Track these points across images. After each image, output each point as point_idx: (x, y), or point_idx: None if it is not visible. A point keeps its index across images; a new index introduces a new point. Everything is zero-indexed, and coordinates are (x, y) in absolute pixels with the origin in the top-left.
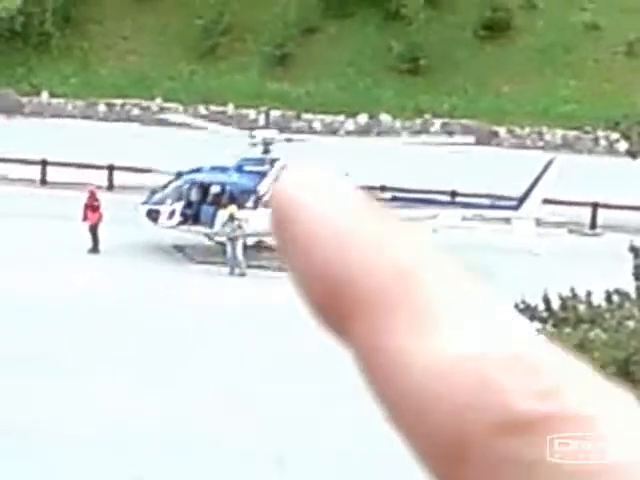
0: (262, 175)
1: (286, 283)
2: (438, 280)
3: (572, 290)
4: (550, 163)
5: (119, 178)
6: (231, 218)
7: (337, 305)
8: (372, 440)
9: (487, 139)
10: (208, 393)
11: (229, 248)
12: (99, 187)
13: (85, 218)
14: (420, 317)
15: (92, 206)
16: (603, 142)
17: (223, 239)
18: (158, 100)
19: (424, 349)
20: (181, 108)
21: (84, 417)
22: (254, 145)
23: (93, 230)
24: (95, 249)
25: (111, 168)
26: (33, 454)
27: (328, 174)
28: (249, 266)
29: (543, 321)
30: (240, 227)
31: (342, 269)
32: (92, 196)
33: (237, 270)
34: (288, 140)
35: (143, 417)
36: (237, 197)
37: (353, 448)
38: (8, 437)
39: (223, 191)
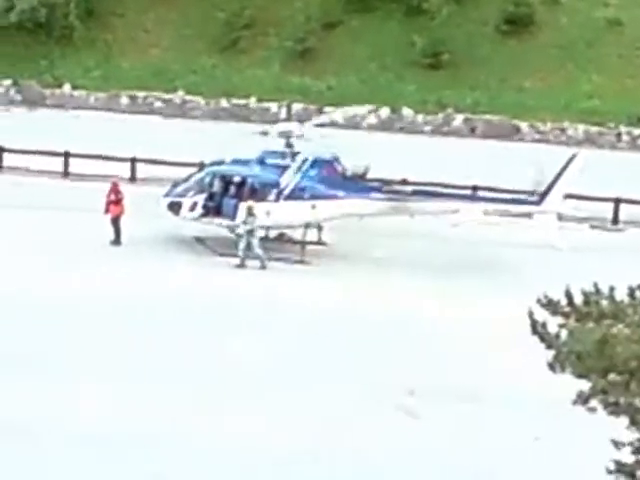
0: (284, 168)
1: (307, 276)
2: None
3: (595, 285)
4: (572, 158)
5: (141, 170)
6: (249, 212)
7: None
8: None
9: (509, 134)
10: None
11: (244, 242)
12: (121, 179)
13: (107, 210)
14: None
15: (115, 199)
16: (625, 137)
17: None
18: (180, 93)
19: None
20: (203, 102)
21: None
22: (264, 134)
23: (115, 222)
24: (117, 241)
25: (133, 160)
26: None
27: None
28: (270, 259)
29: (566, 316)
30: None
31: None
32: (115, 188)
33: (258, 263)
34: (318, 125)
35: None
36: (259, 190)
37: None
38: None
39: (245, 184)
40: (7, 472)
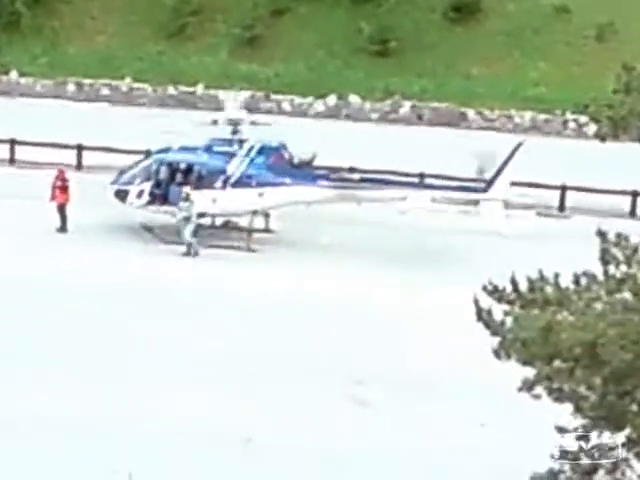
0: (231, 156)
1: (254, 263)
2: None
3: (540, 272)
4: (519, 146)
5: (88, 158)
6: (186, 198)
7: None
8: None
9: (456, 121)
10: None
11: (184, 228)
12: (68, 166)
13: (53, 198)
14: None
15: (61, 186)
16: (572, 125)
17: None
18: (127, 80)
19: None
20: (150, 89)
21: (66, 403)
22: (214, 124)
23: (61, 210)
24: (63, 228)
25: (80, 148)
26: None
27: None
28: (217, 246)
29: (511, 303)
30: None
31: None
32: (60, 176)
33: (184, 249)
34: (253, 123)
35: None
36: (206, 177)
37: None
38: None
39: (192, 171)
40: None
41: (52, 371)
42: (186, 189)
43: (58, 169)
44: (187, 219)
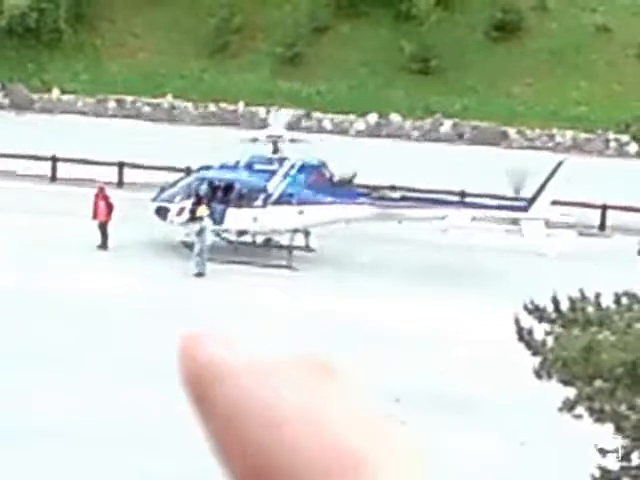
0: (271, 173)
1: (293, 281)
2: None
3: (581, 292)
4: (560, 165)
5: (129, 175)
6: (200, 218)
7: None
8: None
9: (497, 140)
10: None
11: (197, 246)
12: (109, 184)
13: (95, 216)
14: None
15: (105, 203)
16: (613, 144)
17: (232, 237)
18: (169, 97)
19: None
20: (191, 106)
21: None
22: (254, 141)
23: (103, 227)
24: (104, 245)
25: (121, 165)
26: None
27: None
28: (258, 264)
29: (552, 322)
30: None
31: (276, 453)
32: (102, 193)
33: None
34: (292, 141)
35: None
36: (246, 195)
37: None
38: None
39: (232, 189)
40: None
41: (85, 379)
42: (201, 209)
43: (98, 186)
44: (200, 234)
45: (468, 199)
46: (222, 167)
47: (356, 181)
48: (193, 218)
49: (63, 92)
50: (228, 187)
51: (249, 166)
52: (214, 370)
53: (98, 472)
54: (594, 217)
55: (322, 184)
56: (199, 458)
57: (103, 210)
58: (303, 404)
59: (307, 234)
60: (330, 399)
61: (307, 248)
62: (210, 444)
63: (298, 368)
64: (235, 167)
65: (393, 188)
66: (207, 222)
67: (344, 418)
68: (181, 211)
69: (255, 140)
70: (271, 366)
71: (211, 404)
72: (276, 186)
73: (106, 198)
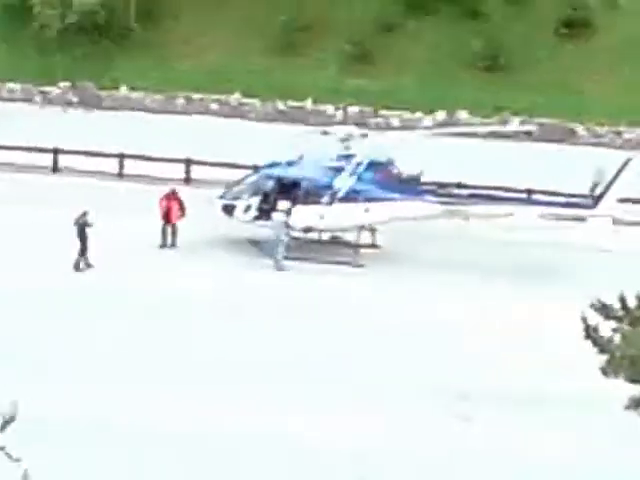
0: (338, 171)
1: (360, 278)
2: None
3: None
4: (628, 162)
5: (196, 172)
6: (287, 212)
7: None
8: None
9: (566, 137)
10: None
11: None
12: (176, 180)
13: (168, 218)
14: None
15: (179, 205)
16: None
17: (299, 234)
18: (236, 94)
19: None
20: (259, 103)
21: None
22: (325, 134)
23: (173, 227)
24: (174, 244)
25: (188, 162)
26: None
27: None
28: (324, 261)
29: (619, 320)
30: (287, 224)
31: None
32: (174, 194)
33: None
34: (364, 135)
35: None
36: (313, 192)
37: None
38: None
39: (299, 186)
40: None
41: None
42: (284, 204)
43: (170, 188)
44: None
45: (535, 196)
46: (289, 164)
47: (423, 178)
48: (268, 213)
49: (131, 89)
50: (295, 184)
51: (315, 163)
52: None
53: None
54: None
55: (389, 181)
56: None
57: (176, 212)
58: None
59: (373, 231)
60: None
61: (373, 245)
62: None
63: None
64: (302, 164)
65: (460, 185)
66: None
67: None
68: (248, 208)
69: (325, 133)
70: None
71: None
72: (343, 183)
73: (179, 200)
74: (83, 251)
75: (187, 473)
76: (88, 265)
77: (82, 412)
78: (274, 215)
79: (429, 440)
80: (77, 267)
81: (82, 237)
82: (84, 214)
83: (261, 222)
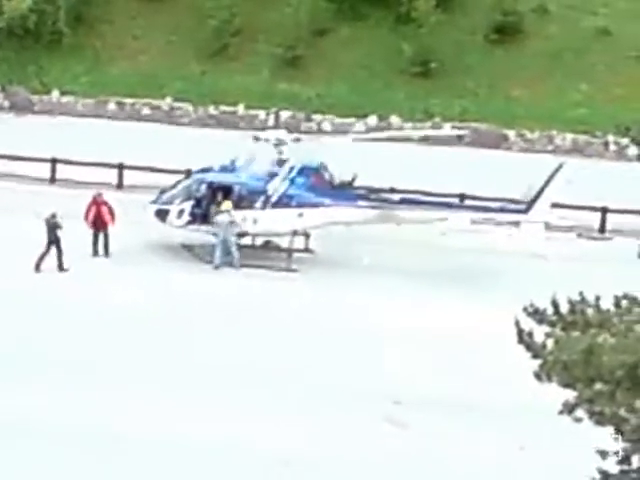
0: (271, 175)
1: (293, 283)
2: None
3: (581, 294)
4: (559, 167)
5: (128, 177)
6: (227, 211)
7: None
8: None
9: (498, 142)
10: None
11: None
12: (108, 185)
13: (100, 222)
14: None
15: (107, 208)
16: (613, 147)
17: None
18: (168, 99)
19: None
20: (191, 108)
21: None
22: (256, 140)
23: (105, 234)
24: (106, 252)
25: (121, 167)
26: None
27: None
28: (257, 266)
29: (552, 325)
30: (232, 222)
31: None
32: (101, 197)
33: (235, 266)
34: (296, 140)
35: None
36: (246, 197)
37: None
38: None
39: (232, 191)
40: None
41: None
42: (227, 204)
43: (97, 192)
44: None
45: (467, 201)
46: (222, 169)
47: (356, 183)
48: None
49: (63, 94)
50: (227, 189)
51: (249, 168)
52: None
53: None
54: (594, 220)
55: (322, 186)
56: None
57: (106, 215)
58: None
59: (307, 236)
60: None
61: (307, 250)
62: None
63: None
64: (235, 169)
65: (393, 190)
66: (231, 216)
67: None
68: (181, 213)
69: (257, 139)
70: None
71: None
72: (276, 188)
73: (108, 205)
74: (59, 254)
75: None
76: (62, 269)
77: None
78: (218, 216)
79: (363, 445)
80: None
81: (54, 238)
82: (53, 215)
83: (194, 227)
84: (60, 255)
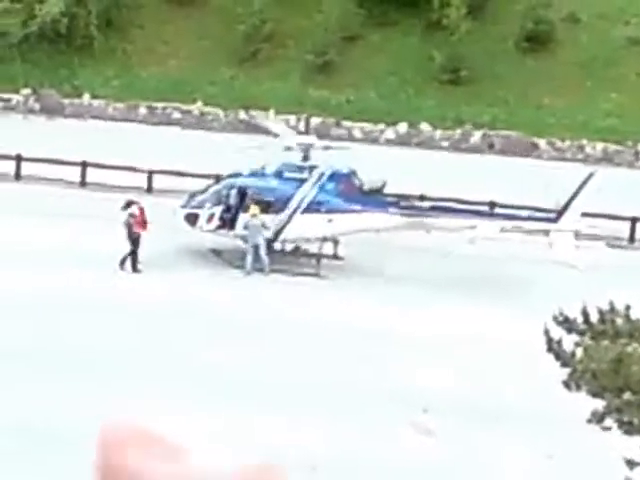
0: (301, 181)
1: (322, 289)
2: None
3: (610, 303)
4: (590, 176)
5: (158, 181)
6: (254, 215)
7: None
8: None
9: (527, 151)
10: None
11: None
12: (138, 189)
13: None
14: None
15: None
16: None
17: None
18: (198, 104)
19: None
20: (221, 113)
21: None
22: (288, 149)
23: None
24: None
25: (150, 171)
26: None
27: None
28: (286, 272)
29: (581, 334)
30: (264, 226)
31: None
32: (138, 205)
33: (264, 271)
34: (326, 148)
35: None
36: (275, 203)
37: None
38: None
39: (262, 196)
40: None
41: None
42: (254, 209)
43: (139, 206)
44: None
45: (497, 210)
46: (252, 174)
47: (385, 190)
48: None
49: (94, 97)
50: (257, 194)
51: (279, 174)
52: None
53: None
54: (624, 229)
55: (351, 193)
56: None
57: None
58: None
59: (336, 242)
60: None
61: (335, 257)
62: None
63: None
64: (265, 174)
65: (422, 198)
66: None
67: None
68: (210, 218)
69: (289, 149)
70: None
71: None
72: (306, 194)
73: (142, 214)
74: (135, 253)
75: None
76: (135, 269)
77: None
78: (249, 221)
79: (387, 452)
80: (122, 264)
81: (133, 240)
82: (131, 215)
83: (223, 232)
84: (135, 255)
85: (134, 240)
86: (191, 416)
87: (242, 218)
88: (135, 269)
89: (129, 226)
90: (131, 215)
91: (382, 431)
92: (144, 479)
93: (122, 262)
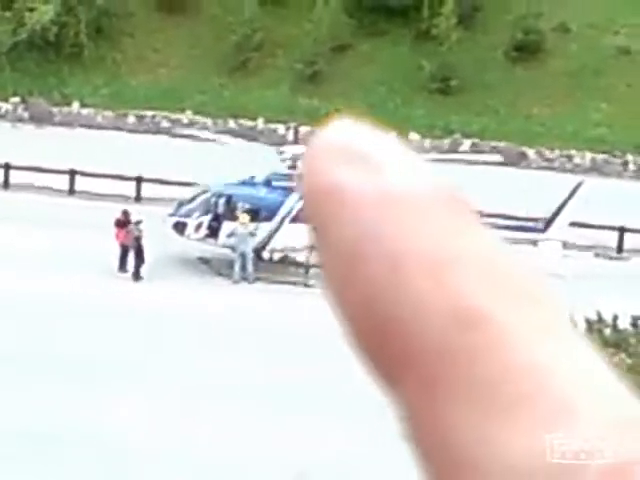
0: (290, 190)
1: (310, 298)
2: (524, 335)
3: (598, 314)
4: (578, 186)
5: (147, 190)
6: (243, 224)
7: (384, 346)
8: None
9: (516, 160)
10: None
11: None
12: (127, 198)
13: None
14: (490, 395)
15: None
16: (632, 166)
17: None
18: (188, 113)
19: (495, 442)
20: (210, 122)
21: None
22: (284, 160)
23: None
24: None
25: (139, 180)
26: None
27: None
28: (274, 281)
29: None
30: (253, 235)
31: (393, 303)
32: (125, 216)
33: (248, 280)
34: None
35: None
36: (263, 211)
37: None
38: None
39: (250, 205)
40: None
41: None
42: (243, 218)
43: (123, 210)
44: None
45: (485, 219)
46: (241, 183)
47: None
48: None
49: (83, 106)
50: (246, 203)
51: (268, 183)
52: (337, 197)
53: None
54: (611, 239)
55: None
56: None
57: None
58: (437, 245)
59: None
60: (469, 239)
61: None
62: (326, 287)
63: (440, 204)
64: (253, 183)
65: None
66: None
67: (478, 266)
68: (199, 227)
69: (282, 153)
70: (410, 197)
71: (330, 238)
72: (294, 202)
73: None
74: (141, 260)
75: None
76: (138, 277)
77: None
78: (237, 229)
79: (384, 454)
80: (137, 276)
81: (137, 247)
82: (137, 222)
83: (211, 240)
84: (139, 263)
85: (138, 250)
86: (180, 420)
87: (231, 227)
88: (137, 277)
89: (137, 239)
90: (136, 225)
91: (374, 436)
92: (346, 195)
93: (136, 274)
